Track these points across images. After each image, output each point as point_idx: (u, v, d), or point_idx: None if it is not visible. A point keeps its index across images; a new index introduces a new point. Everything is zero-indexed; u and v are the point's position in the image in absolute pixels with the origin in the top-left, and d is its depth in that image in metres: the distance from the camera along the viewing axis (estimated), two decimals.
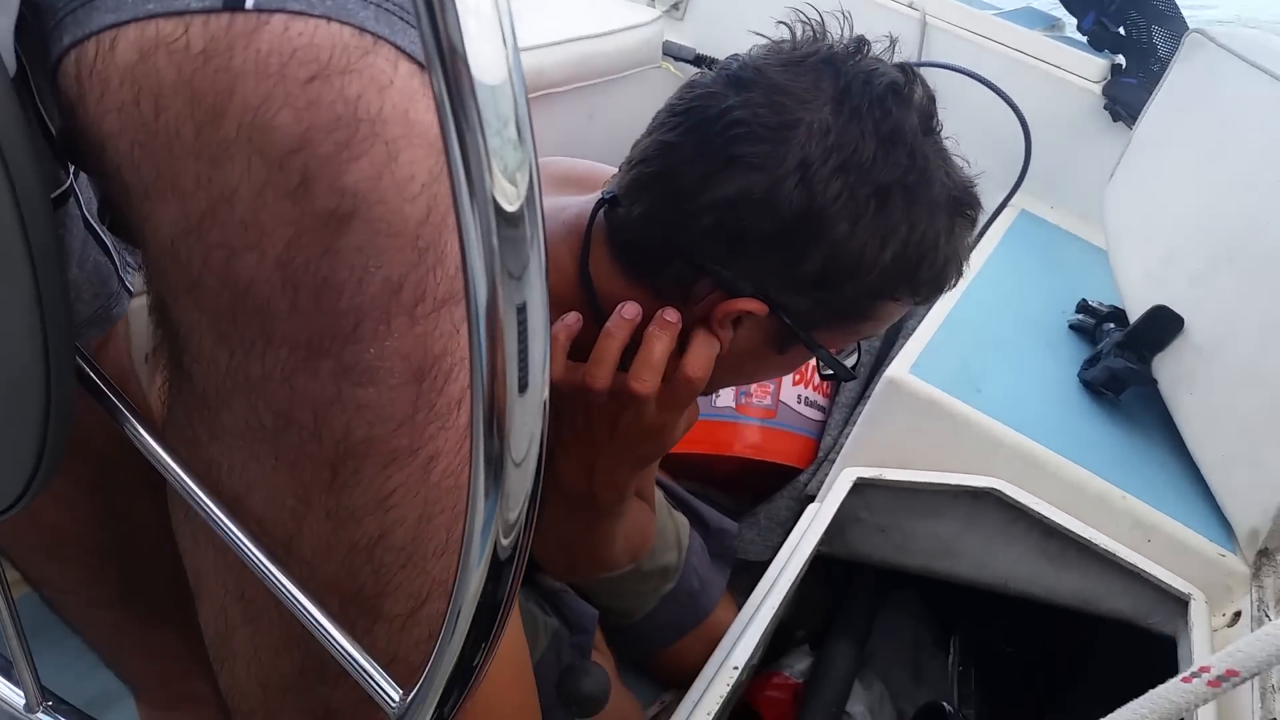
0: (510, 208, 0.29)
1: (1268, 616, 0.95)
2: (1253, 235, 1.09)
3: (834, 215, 0.70)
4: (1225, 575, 1.02)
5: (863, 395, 1.38)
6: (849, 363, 0.84)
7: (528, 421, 0.32)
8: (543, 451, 0.33)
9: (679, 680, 0.96)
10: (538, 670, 0.75)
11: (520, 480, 0.32)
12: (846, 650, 1.28)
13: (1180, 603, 1.01)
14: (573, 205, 0.81)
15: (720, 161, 0.70)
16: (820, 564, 1.22)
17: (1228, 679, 0.44)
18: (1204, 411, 1.10)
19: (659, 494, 1.23)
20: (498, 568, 0.33)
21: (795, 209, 0.70)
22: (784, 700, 1.28)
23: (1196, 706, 0.46)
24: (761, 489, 1.35)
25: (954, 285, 0.80)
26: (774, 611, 0.93)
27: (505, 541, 0.33)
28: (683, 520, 1.25)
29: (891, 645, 1.32)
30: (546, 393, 0.33)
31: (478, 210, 0.28)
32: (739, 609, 0.98)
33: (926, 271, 0.75)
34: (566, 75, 1.58)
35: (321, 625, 0.40)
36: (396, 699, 0.37)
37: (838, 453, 1.22)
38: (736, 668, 0.86)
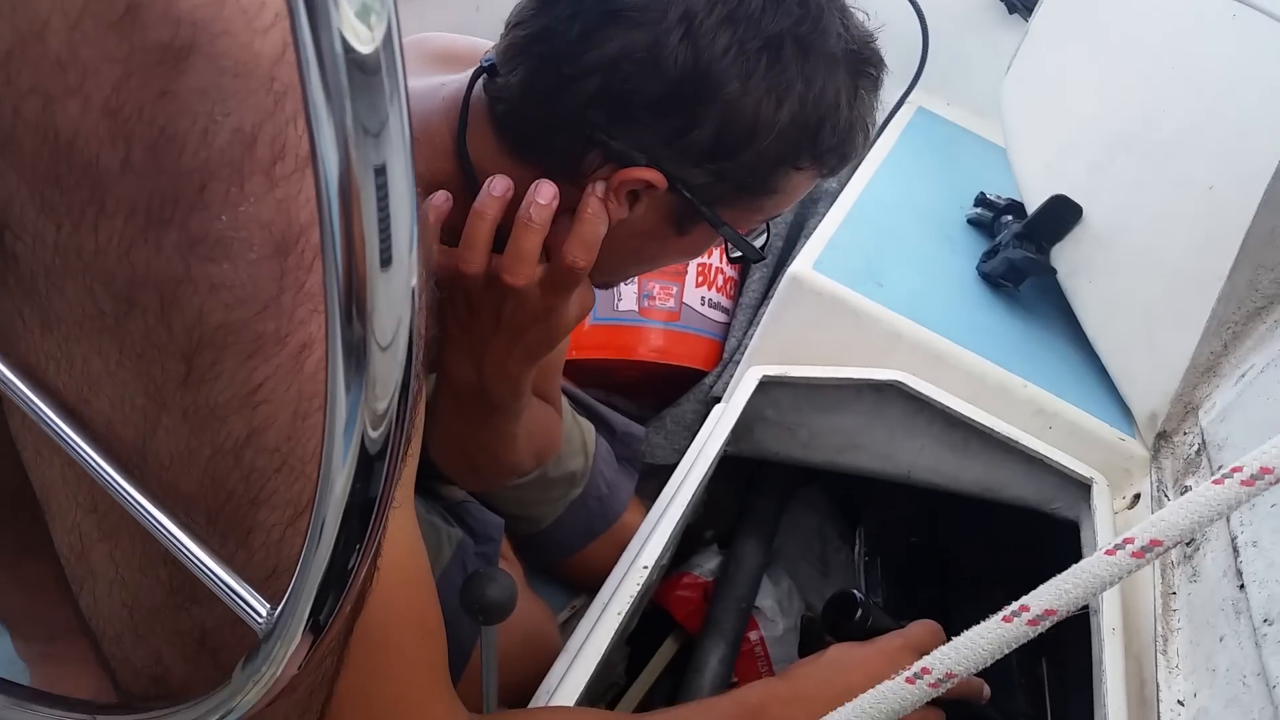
0: (363, 49, 0.25)
1: (1166, 496, 0.97)
2: (1149, 124, 1.09)
3: (723, 72, 0.67)
4: (1125, 459, 1.04)
5: (766, 295, 1.36)
6: (757, 244, 0.81)
7: (393, 302, 0.28)
8: (413, 335, 0.30)
9: (590, 585, 0.95)
10: (442, 582, 0.71)
11: (388, 366, 0.29)
12: (755, 548, 1.28)
13: (1082, 487, 1.02)
14: (451, 81, 0.75)
15: (599, 18, 0.66)
16: (728, 464, 1.21)
17: (1151, 549, 0.44)
18: (1102, 299, 1.10)
19: (564, 400, 1.21)
20: (367, 463, 0.29)
21: (682, 67, 0.66)
22: (694, 599, 1.27)
23: (1120, 578, 0.45)
24: (667, 393, 1.33)
25: (860, 156, 0.78)
26: (682, 511, 0.92)
27: (374, 434, 0.29)
28: (588, 426, 1.22)
29: (798, 541, 1.33)
30: (416, 270, 0.29)
31: (322, 46, 0.24)
32: (647, 513, 0.96)
33: (829, 136, 0.72)
34: None
35: (171, 534, 0.36)
36: (264, 614, 0.34)
37: (742, 354, 1.21)
38: (646, 567, 0.84)
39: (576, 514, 1.17)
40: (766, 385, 1.11)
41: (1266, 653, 0.64)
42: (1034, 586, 1.04)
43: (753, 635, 1.25)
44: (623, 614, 0.79)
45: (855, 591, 0.84)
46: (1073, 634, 0.91)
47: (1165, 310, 1.02)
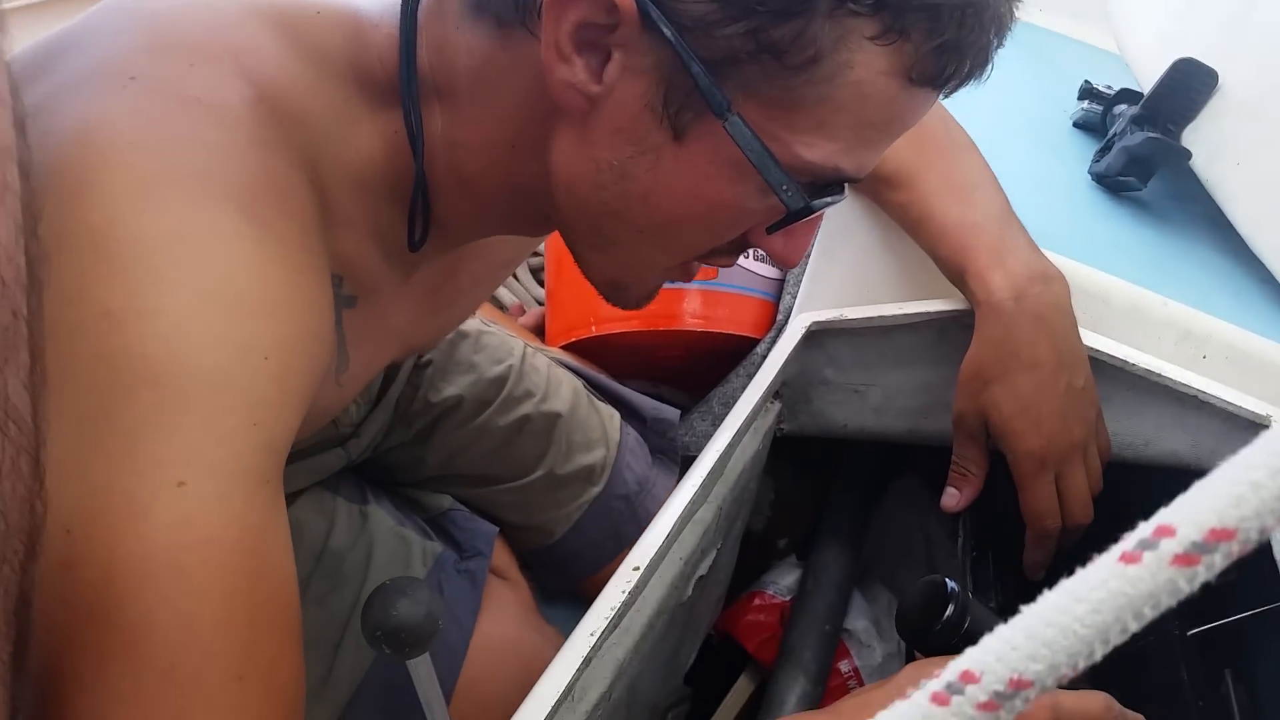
0: None
1: None
2: None
3: None
4: None
5: None
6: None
7: None
8: None
9: None
10: None
11: None
12: (839, 555, 1.03)
13: (1255, 429, 0.74)
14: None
15: None
16: (793, 450, 0.97)
17: None
18: (1255, 183, 0.83)
19: (577, 383, 0.98)
20: None
21: None
22: (769, 623, 1.04)
23: None
24: (718, 375, 1.09)
25: (974, 66, 0.51)
26: (714, 500, 0.68)
27: None
28: (610, 413, 1.00)
29: (895, 544, 1.07)
30: None
31: None
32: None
33: None
34: None
35: None
36: None
37: None
38: (637, 568, 0.61)
39: (598, 518, 0.94)
40: (819, 336, 0.86)
41: None
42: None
43: (844, 666, 1.01)
44: (596, 634, 0.56)
45: (946, 580, 0.58)
46: (1272, 634, 0.64)
47: None
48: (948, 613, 0.55)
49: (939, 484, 1.05)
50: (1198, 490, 0.21)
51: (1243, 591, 0.74)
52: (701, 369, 1.12)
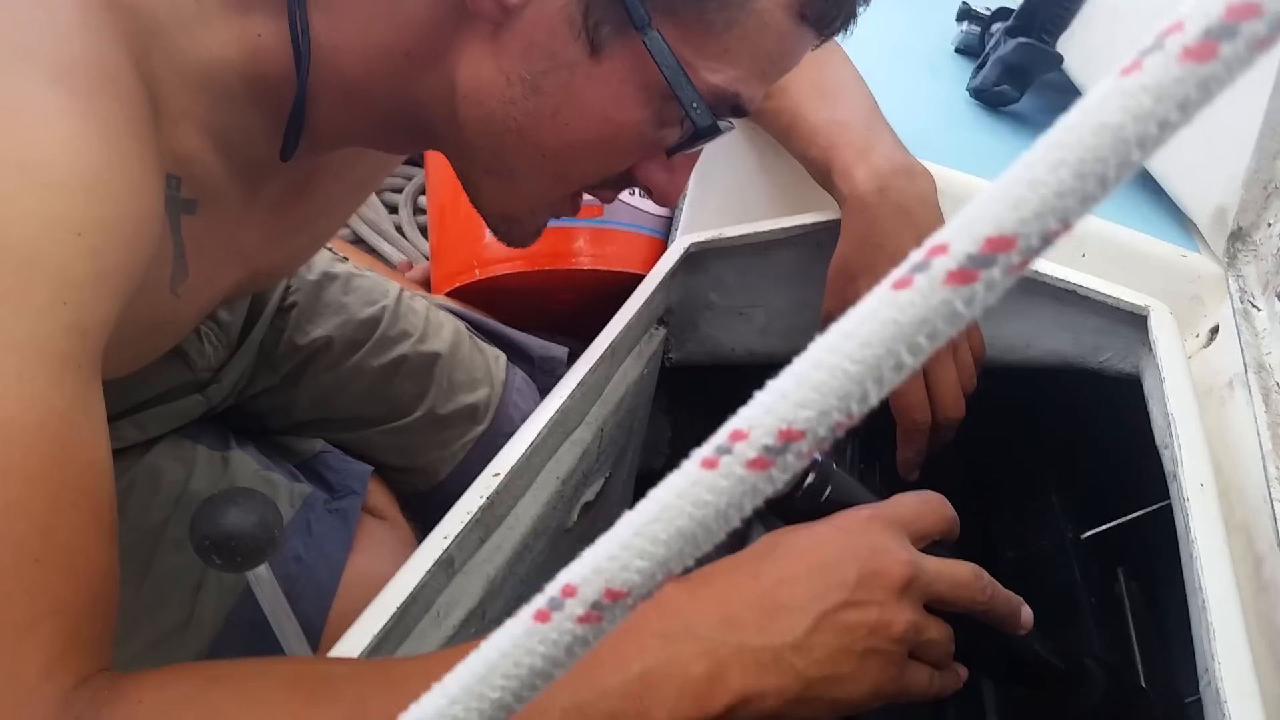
0: None
1: (1255, 307, 0.69)
2: None
3: None
4: (1190, 282, 0.76)
5: None
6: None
7: None
8: None
9: None
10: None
11: None
12: None
13: (1136, 321, 0.74)
14: None
15: None
16: (689, 388, 0.95)
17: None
18: None
19: (459, 324, 0.95)
20: None
21: None
22: None
23: None
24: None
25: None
26: (566, 404, 0.66)
27: None
28: (495, 353, 0.96)
29: None
30: None
31: None
32: None
33: None
34: None
35: None
36: None
37: None
38: (498, 474, 0.58)
39: (485, 458, 0.90)
40: (701, 258, 0.84)
41: None
42: (1094, 479, 0.73)
43: None
44: (450, 537, 0.53)
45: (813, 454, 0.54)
46: (1162, 531, 0.63)
47: None
48: (808, 480, 0.52)
49: None
50: (973, 203, 0.19)
51: (1133, 494, 0.74)
52: (594, 314, 1.09)
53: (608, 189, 0.59)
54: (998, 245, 0.19)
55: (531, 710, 0.38)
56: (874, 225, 0.69)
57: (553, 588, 0.23)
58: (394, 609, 0.48)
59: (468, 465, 0.90)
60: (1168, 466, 0.65)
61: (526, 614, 0.23)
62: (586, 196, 0.60)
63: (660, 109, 0.52)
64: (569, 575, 0.22)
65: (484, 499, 0.56)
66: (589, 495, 0.76)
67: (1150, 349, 0.71)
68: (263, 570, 0.51)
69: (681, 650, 0.43)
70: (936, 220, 0.71)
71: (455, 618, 0.55)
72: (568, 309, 1.10)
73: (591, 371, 0.69)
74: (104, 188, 0.42)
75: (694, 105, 0.51)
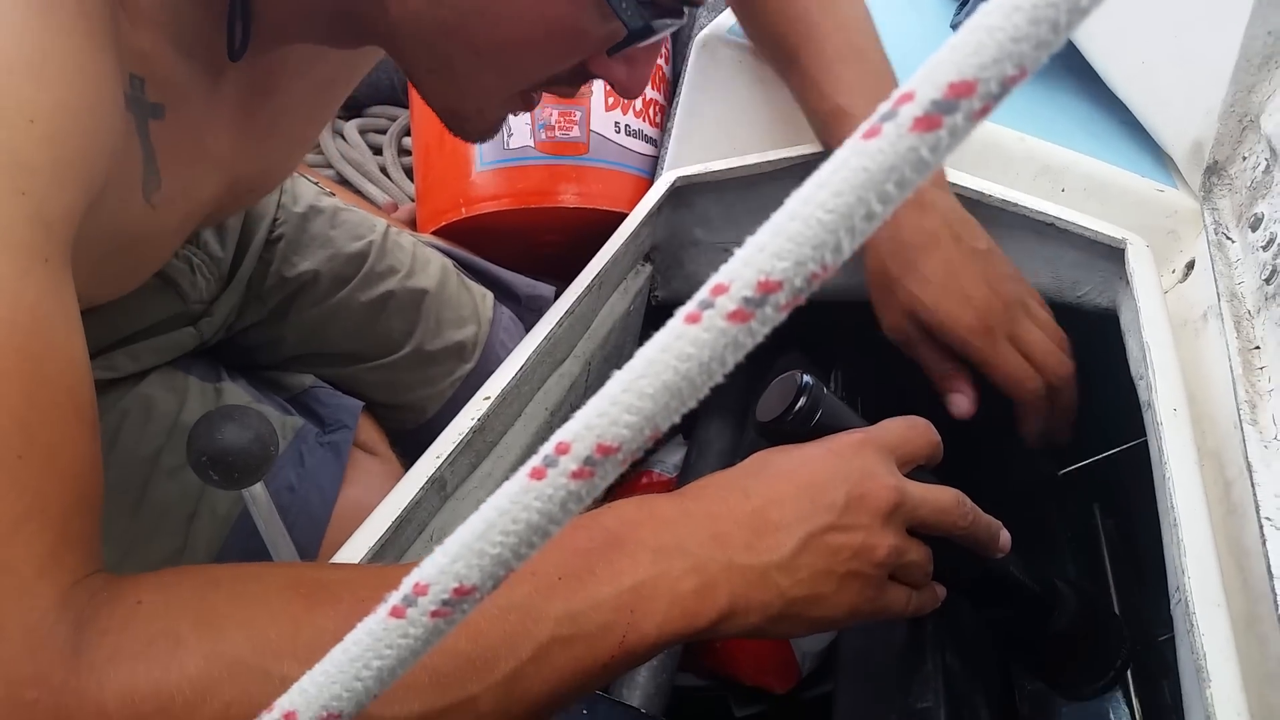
0: None
1: (1229, 239, 0.70)
2: None
3: None
4: (1167, 216, 0.77)
5: None
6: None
7: None
8: None
9: None
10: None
11: None
12: (722, 429, 1.02)
13: (1114, 255, 0.75)
14: None
15: None
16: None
17: None
18: (1110, 18, 0.83)
19: (447, 261, 0.96)
20: None
21: None
22: None
23: None
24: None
25: None
26: (554, 331, 0.67)
27: None
28: (482, 292, 0.97)
29: None
30: None
31: None
32: None
33: None
34: None
35: None
36: None
37: None
38: (488, 398, 0.59)
39: (472, 395, 0.91)
40: (687, 193, 0.85)
41: None
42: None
43: None
44: (442, 457, 0.54)
45: (801, 374, 0.55)
46: (1138, 469, 0.65)
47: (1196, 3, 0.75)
48: (799, 404, 0.53)
49: (821, 356, 1.05)
50: (936, 54, 0.20)
51: (1111, 432, 0.75)
52: (580, 254, 1.09)
53: (563, 85, 0.57)
54: (960, 90, 0.20)
55: (525, 618, 0.40)
56: (896, 227, 0.69)
57: (547, 447, 0.24)
58: (388, 524, 0.49)
59: (455, 403, 0.91)
60: (1142, 396, 0.66)
61: (523, 473, 0.24)
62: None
63: (599, 5, 0.50)
64: (563, 434, 0.23)
65: (475, 420, 0.57)
66: None
67: (1127, 282, 0.73)
68: (258, 489, 0.52)
69: (672, 565, 0.44)
70: (951, 200, 0.71)
71: None
72: (554, 249, 1.11)
73: (578, 302, 0.70)
74: (56, 72, 0.41)
75: (622, 5, 0.49)
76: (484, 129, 0.60)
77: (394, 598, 0.25)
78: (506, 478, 0.64)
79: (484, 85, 0.56)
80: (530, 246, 1.10)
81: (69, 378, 0.39)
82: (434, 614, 0.25)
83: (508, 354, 0.94)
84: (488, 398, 0.59)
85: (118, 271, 0.57)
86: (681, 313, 0.22)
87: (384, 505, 0.51)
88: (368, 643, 0.25)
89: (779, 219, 0.21)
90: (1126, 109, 0.83)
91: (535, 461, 0.24)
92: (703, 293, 0.22)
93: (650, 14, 0.51)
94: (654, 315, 0.91)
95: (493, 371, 0.93)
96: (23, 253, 0.38)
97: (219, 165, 0.60)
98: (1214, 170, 0.74)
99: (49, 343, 0.38)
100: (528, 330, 1.00)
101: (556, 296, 1.04)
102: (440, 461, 0.54)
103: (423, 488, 0.52)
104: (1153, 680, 0.63)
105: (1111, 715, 0.60)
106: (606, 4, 0.49)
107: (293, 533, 0.72)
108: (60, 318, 0.39)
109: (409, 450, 0.91)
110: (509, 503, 0.24)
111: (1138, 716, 0.60)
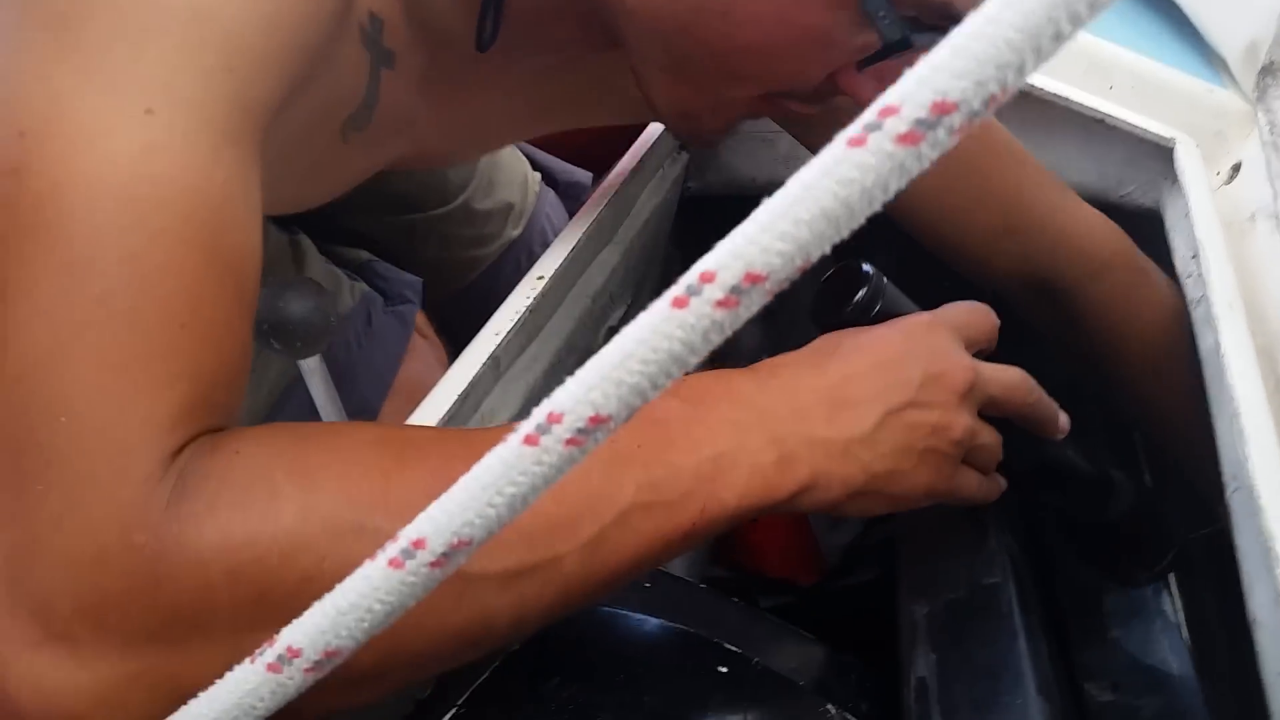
0: None
1: None
2: None
3: None
4: (1216, 118, 0.76)
5: None
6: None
7: None
8: None
9: None
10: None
11: None
12: (751, 328, 1.02)
13: (1162, 153, 0.74)
14: None
15: None
16: (705, 225, 0.95)
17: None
18: None
19: None
20: None
21: None
22: None
23: None
24: None
25: None
26: (602, 213, 0.67)
27: None
28: (531, 170, 0.97)
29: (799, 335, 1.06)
30: None
31: None
32: None
33: None
34: None
35: None
36: None
37: None
38: (542, 277, 0.59)
39: (515, 263, 0.91)
40: None
41: None
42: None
43: None
44: (501, 334, 0.54)
45: (862, 264, 0.54)
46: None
47: None
48: (859, 295, 0.52)
49: (842, 251, 1.03)
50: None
51: None
52: (615, 148, 1.08)
53: (802, 102, 0.52)
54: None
55: (606, 484, 0.40)
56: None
57: (691, 275, 0.23)
58: (453, 398, 0.49)
59: (499, 267, 0.91)
60: (1191, 294, 0.66)
61: (664, 301, 0.23)
62: None
63: (854, 10, 0.45)
64: (707, 263, 0.23)
65: (530, 300, 0.57)
66: (613, 319, 0.77)
67: (1175, 181, 0.72)
68: (315, 362, 0.52)
69: (752, 437, 0.43)
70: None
71: (498, 422, 0.57)
72: (588, 136, 1.09)
73: (624, 184, 0.69)
74: None
75: (880, 14, 0.44)
76: (715, 131, 0.56)
77: (526, 425, 0.25)
78: (553, 363, 0.64)
79: (718, 88, 0.52)
80: (565, 134, 1.09)
81: (240, 264, 0.39)
82: (568, 442, 0.25)
83: (553, 228, 0.95)
84: (541, 277, 0.59)
85: (282, 195, 0.53)
86: (843, 136, 0.22)
87: (447, 379, 0.51)
88: (500, 470, 0.25)
89: (960, 39, 0.21)
90: (1175, 6, 0.82)
91: (678, 290, 0.23)
92: (868, 114, 0.22)
93: (910, 26, 0.46)
94: (684, 210, 0.91)
95: (536, 244, 0.93)
96: (218, 132, 0.37)
97: (415, 136, 0.58)
98: (1269, 71, 0.73)
99: (230, 223, 0.38)
100: (570, 216, 1.00)
101: (594, 185, 1.04)
102: (499, 339, 0.54)
103: (484, 364, 0.52)
104: (1190, 573, 0.64)
105: (1156, 604, 0.61)
106: (864, 12, 0.45)
107: (358, 389, 0.71)
108: (243, 203, 0.39)
109: (448, 323, 0.90)
110: (649, 332, 0.23)
111: (1178, 605, 0.62)
